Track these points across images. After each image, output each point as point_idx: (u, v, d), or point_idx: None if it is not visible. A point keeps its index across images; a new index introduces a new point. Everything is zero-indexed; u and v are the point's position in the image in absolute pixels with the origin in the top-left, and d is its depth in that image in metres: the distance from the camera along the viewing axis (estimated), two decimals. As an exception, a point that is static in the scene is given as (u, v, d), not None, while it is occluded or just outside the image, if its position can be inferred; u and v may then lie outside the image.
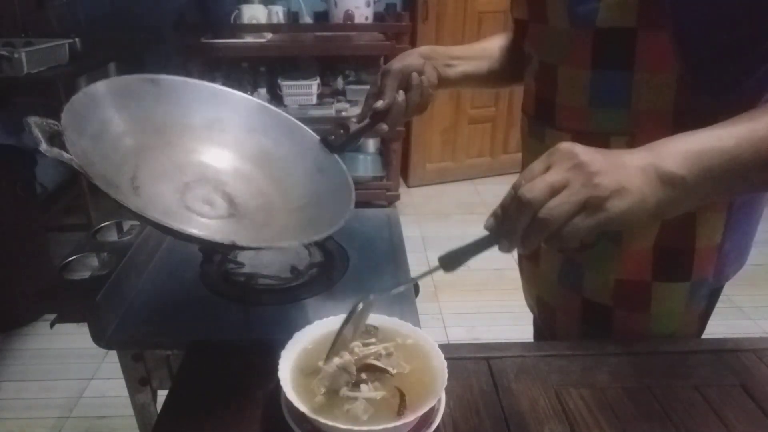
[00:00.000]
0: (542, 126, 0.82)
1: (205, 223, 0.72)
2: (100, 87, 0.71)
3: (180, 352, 0.81)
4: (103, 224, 1.02)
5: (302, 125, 0.84)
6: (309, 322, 0.70)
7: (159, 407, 0.73)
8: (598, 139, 0.71)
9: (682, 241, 0.76)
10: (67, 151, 0.60)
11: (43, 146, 0.60)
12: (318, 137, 0.85)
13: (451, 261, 0.59)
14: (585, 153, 0.53)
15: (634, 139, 0.71)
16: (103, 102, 0.71)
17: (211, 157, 0.78)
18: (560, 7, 0.72)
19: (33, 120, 0.63)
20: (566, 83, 0.75)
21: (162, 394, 0.76)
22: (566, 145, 0.54)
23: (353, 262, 1.00)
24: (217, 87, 0.79)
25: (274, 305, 0.88)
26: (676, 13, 0.62)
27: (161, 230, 0.64)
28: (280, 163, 0.80)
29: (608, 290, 0.81)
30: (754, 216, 0.81)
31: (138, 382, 0.88)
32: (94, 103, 0.70)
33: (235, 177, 0.78)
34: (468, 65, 0.97)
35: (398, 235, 1.11)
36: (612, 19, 0.66)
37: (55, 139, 0.66)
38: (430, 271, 0.62)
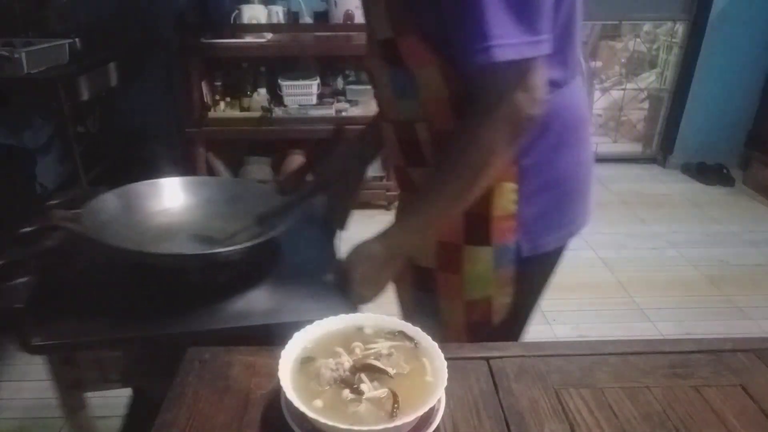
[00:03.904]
0: (384, 120, 0.95)
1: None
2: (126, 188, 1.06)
3: (116, 353, 0.81)
4: (27, 228, 1.01)
5: (265, 187, 1.13)
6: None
7: (98, 410, 0.72)
8: (407, 127, 0.88)
9: (483, 208, 0.86)
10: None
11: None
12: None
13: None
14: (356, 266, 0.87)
15: (431, 125, 0.85)
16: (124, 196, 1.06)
17: (202, 219, 1.08)
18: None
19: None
20: (378, 81, 0.91)
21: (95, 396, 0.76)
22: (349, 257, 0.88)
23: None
24: (205, 177, 1.18)
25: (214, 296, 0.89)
26: (418, 23, 0.78)
27: (146, 258, 0.91)
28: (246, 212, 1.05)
29: (432, 253, 0.92)
30: (557, 191, 0.89)
31: (69, 386, 0.87)
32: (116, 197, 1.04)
33: (221, 231, 1.02)
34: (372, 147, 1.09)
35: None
36: (381, 31, 0.83)
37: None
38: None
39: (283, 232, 0.93)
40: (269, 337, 0.82)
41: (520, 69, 0.73)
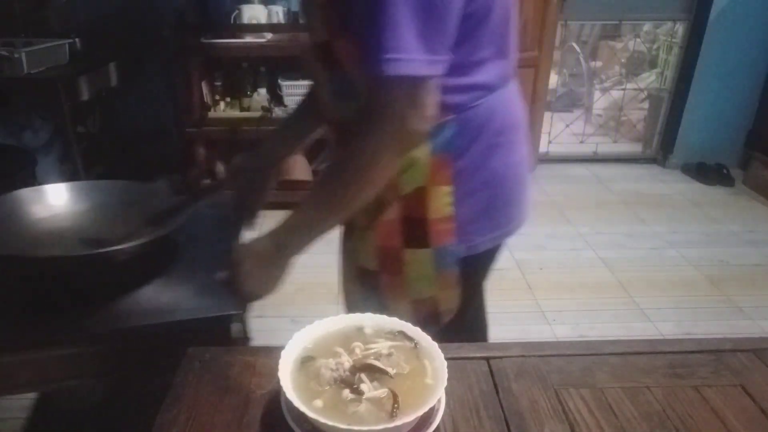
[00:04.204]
0: (324, 121, 0.96)
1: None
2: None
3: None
4: None
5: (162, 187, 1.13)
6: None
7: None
8: (346, 128, 0.84)
9: (419, 212, 0.88)
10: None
11: None
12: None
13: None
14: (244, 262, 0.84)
15: None
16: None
17: (93, 223, 1.06)
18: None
19: None
20: (319, 84, 0.91)
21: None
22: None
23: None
24: (96, 182, 1.14)
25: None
26: (349, 26, 0.77)
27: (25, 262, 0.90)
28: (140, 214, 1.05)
29: (373, 256, 0.93)
30: (491, 192, 0.90)
31: None
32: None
33: (111, 234, 0.99)
34: (292, 139, 1.09)
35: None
36: (318, 36, 0.84)
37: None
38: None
39: (179, 231, 0.92)
40: (159, 335, 0.83)
41: (412, 85, 0.73)
